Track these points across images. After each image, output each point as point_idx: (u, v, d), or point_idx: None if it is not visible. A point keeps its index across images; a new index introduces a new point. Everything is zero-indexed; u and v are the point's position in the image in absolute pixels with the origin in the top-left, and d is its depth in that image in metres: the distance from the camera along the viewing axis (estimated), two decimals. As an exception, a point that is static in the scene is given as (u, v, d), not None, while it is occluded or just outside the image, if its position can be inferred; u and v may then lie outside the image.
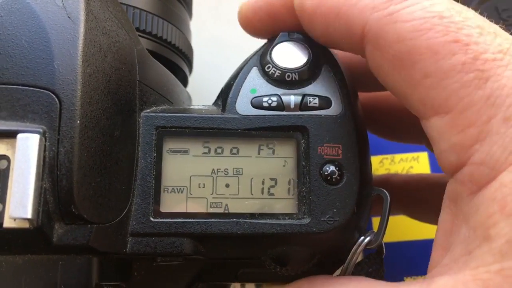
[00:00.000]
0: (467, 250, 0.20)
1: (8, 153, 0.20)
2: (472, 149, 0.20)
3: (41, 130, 0.20)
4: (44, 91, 0.21)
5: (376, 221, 0.39)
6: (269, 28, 0.26)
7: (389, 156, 0.43)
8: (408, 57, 0.21)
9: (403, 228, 0.39)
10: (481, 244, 0.19)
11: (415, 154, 0.43)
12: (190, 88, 0.35)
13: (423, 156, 0.43)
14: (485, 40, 0.20)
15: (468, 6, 0.22)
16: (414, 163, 0.43)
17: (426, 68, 0.20)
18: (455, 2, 0.22)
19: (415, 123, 0.32)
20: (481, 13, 0.22)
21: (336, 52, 0.27)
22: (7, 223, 0.19)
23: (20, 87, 0.21)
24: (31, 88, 0.21)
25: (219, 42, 0.46)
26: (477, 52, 0.20)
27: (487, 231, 0.19)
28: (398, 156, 0.43)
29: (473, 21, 0.21)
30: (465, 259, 0.19)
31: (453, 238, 0.21)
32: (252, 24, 0.27)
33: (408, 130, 0.33)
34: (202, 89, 0.37)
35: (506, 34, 0.21)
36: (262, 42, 0.27)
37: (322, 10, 0.23)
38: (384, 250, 0.26)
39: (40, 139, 0.20)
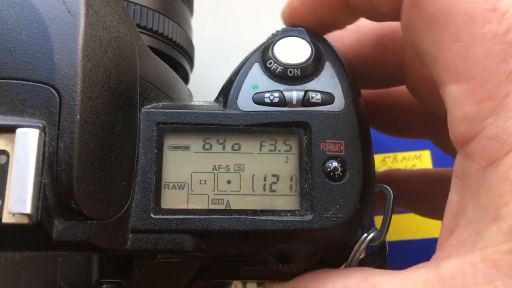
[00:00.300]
0: (476, 230, 0.19)
1: (7, 148, 0.20)
2: (486, 122, 0.19)
3: (40, 125, 0.20)
4: (44, 85, 0.21)
5: (378, 220, 0.39)
6: (316, 10, 0.26)
7: (391, 154, 0.43)
8: (443, 18, 0.20)
9: (406, 227, 0.39)
10: (490, 224, 0.18)
11: (417, 153, 0.43)
12: (191, 86, 0.35)
13: (426, 155, 0.43)
14: None
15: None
16: (417, 162, 0.42)
17: (458, 32, 0.20)
18: None
19: (419, 118, 0.32)
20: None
21: (338, 48, 0.27)
22: (6, 219, 0.19)
23: (19, 81, 0.21)
24: (31, 83, 0.21)
25: (220, 40, 0.46)
26: (510, 24, 0.19)
27: (497, 211, 0.18)
28: (400, 155, 0.43)
29: None
30: (473, 239, 0.19)
31: (460, 218, 0.20)
32: (298, 13, 0.26)
33: (412, 126, 0.33)
34: (203, 87, 0.37)
35: None
36: (262, 39, 0.27)
37: None
38: (387, 247, 0.26)
39: (40, 134, 0.20)
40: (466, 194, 0.20)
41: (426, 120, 0.31)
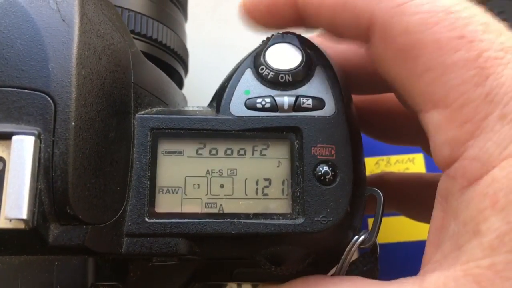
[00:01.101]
0: (457, 245, 0.20)
1: (3, 154, 0.20)
2: (467, 144, 0.20)
3: (36, 132, 0.20)
4: (39, 93, 0.21)
5: (371, 222, 0.39)
6: (270, 21, 0.26)
7: (384, 157, 0.43)
8: (413, 50, 0.21)
9: (398, 229, 0.39)
10: (470, 239, 0.19)
11: (410, 156, 0.43)
12: (186, 90, 0.35)
13: (419, 158, 0.43)
14: (489, 37, 0.20)
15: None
16: (410, 165, 0.43)
17: (429, 62, 0.21)
18: None
19: (410, 125, 0.32)
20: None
21: (330, 54, 0.27)
22: (3, 224, 0.20)
23: (15, 89, 0.21)
24: (26, 91, 0.21)
25: (216, 43, 0.46)
26: (480, 49, 0.20)
27: (477, 226, 0.19)
28: (394, 158, 0.43)
29: (479, 17, 0.21)
30: (455, 254, 0.20)
31: (443, 234, 0.21)
32: (253, 17, 0.27)
33: (403, 132, 0.34)
34: (198, 91, 0.37)
35: (510, 33, 0.22)
36: (257, 44, 0.27)
37: (329, 0, 0.23)
38: (378, 249, 0.26)
39: (35, 141, 0.20)
40: (448, 211, 0.21)
41: (416, 128, 0.32)
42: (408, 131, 0.33)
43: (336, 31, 0.25)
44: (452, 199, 0.21)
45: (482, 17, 0.21)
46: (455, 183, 0.20)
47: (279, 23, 0.26)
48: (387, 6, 0.22)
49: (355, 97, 0.28)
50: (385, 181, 0.35)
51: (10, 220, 0.20)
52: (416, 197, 0.34)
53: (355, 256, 0.26)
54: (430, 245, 0.22)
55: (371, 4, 0.22)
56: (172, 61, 0.32)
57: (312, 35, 0.28)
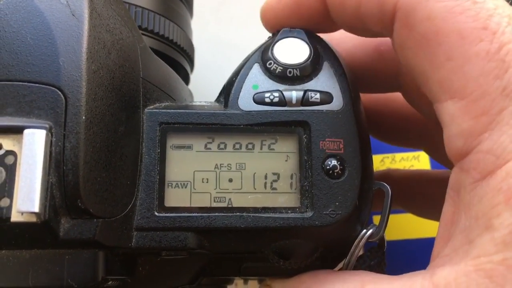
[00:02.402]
0: (468, 239, 0.20)
1: (15, 148, 0.20)
2: (481, 137, 0.20)
3: (47, 126, 0.20)
4: (50, 87, 0.21)
5: (377, 219, 0.39)
6: (295, 17, 0.26)
7: (390, 155, 0.43)
8: (435, 37, 0.21)
9: (404, 226, 0.39)
10: (482, 233, 0.19)
11: (416, 153, 0.43)
12: (191, 86, 0.35)
13: (424, 155, 0.43)
14: None
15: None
16: (415, 162, 0.43)
17: (451, 51, 0.21)
18: None
19: (414, 127, 0.32)
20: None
21: (337, 49, 0.27)
22: (15, 217, 0.20)
23: (26, 83, 0.21)
24: (37, 85, 0.21)
25: (220, 41, 0.46)
26: (502, 42, 0.20)
27: (490, 221, 0.19)
28: (399, 155, 0.43)
29: (504, 9, 0.21)
30: (466, 248, 0.20)
31: (453, 228, 0.21)
32: (276, 16, 0.27)
33: (407, 134, 0.34)
34: (203, 87, 0.38)
35: None
36: (262, 41, 0.28)
37: None
38: (385, 243, 0.26)
39: (47, 135, 0.20)
40: (459, 205, 0.21)
41: (421, 131, 0.32)
42: (412, 133, 0.33)
43: (360, 23, 0.24)
44: (464, 193, 0.21)
45: (507, 10, 0.21)
46: (468, 176, 0.20)
47: (306, 20, 0.26)
48: None
49: (362, 97, 0.28)
50: (390, 178, 0.35)
51: (22, 213, 0.20)
52: (421, 194, 0.34)
53: (361, 250, 0.26)
54: (440, 239, 0.22)
55: None
56: (179, 57, 0.32)
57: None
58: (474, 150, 0.20)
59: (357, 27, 0.25)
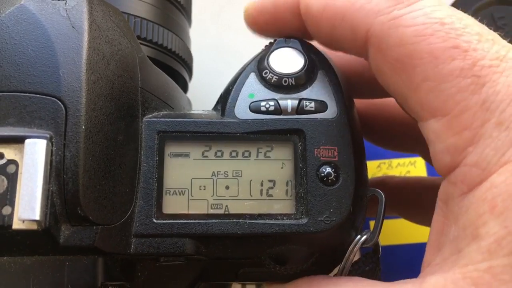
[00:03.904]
0: (457, 249, 0.20)
1: (16, 157, 0.21)
2: (466, 151, 0.21)
3: (48, 136, 0.21)
4: (50, 98, 0.22)
5: (373, 223, 0.40)
6: (274, 29, 0.27)
7: (386, 161, 0.44)
8: (409, 61, 0.22)
9: (399, 231, 0.40)
10: (470, 243, 0.20)
11: (412, 159, 0.44)
12: (191, 94, 0.36)
13: (420, 161, 0.43)
14: (483, 47, 0.21)
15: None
16: (411, 168, 0.43)
17: (425, 72, 0.21)
18: (456, 9, 0.22)
19: (409, 132, 0.33)
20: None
21: (332, 58, 0.28)
22: (16, 225, 0.20)
23: (27, 94, 0.22)
24: (38, 95, 0.22)
25: (219, 48, 0.47)
26: (475, 58, 0.21)
27: (476, 230, 0.19)
28: (395, 161, 0.44)
29: (473, 28, 0.22)
30: (455, 257, 0.20)
31: (443, 238, 0.22)
32: (257, 24, 0.27)
33: (402, 139, 0.34)
34: (202, 95, 0.38)
35: (504, 42, 0.22)
36: (259, 49, 0.28)
37: (328, 14, 0.24)
38: (380, 249, 0.27)
39: (47, 144, 0.21)
40: (449, 216, 0.22)
41: (417, 135, 0.32)
42: (407, 138, 0.34)
43: (334, 43, 0.25)
44: (452, 204, 0.21)
45: (476, 27, 0.22)
46: (456, 188, 0.21)
47: (282, 31, 0.27)
48: (383, 19, 0.22)
49: (357, 103, 0.29)
50: (386, 185, 0.36)
51: (23, 221, 0.20)
52: (417, 201, 0.35)
53: (356, 256, 0.26)
54: (430, 248, 0.22)
55: (368, 17, 0.23)
56: (177, 65, 0.33)
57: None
58: (460, 164, 0.21)
59: (333, 47, 0.26)
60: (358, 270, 0.27)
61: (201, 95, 0.39)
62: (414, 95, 0.22)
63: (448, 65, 0.21)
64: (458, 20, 0.22)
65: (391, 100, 0.32)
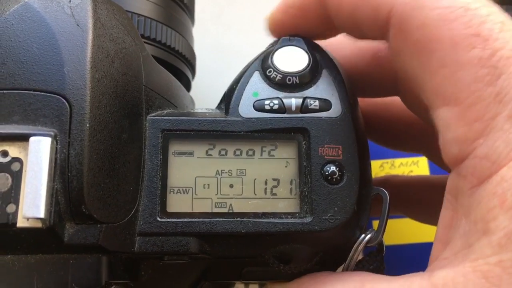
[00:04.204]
0: (467, 243, 0.20)
1: (21, 155, 0.21)
2: (476, 142, 0.20)
3: (52, 133, 0.21)
4: (55, 95, 0.22)
5: (377, 224, 0.40)
6: (301, 22, 0.27)
7: (389, 160, 0.44)
8: (429, 45, 0.21)
9: (403, 231, 0.40)
10: (480, 238, 0.19)
11: (415, 159, 0.44)
12: (193, 93, 0.36)
13: (423, 161, 0.43)
14: (505, 36, 0.21)
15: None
16: (414, 167, 0.43)
17: (444, 58, 0.21)
18: None
19: (413, 132, 0.33)
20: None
21: (336, 57, 0.28)
22: (21, 223, 0.20)
23: (31, 92, 0.22)
24: (42, 93, 0.22)
25: (221, 47, 0.47)
26: (494, 48, 0.20)
27: (487, 225, 0.19)
28: (398, 161, 0.43)
29: (497, 16, 0.21)
30: (465, 252, 0.20)
31: (452, 232, 0.21)
32: (284, 25, 0.27)
33: (406, 139, 0.34)
34: (205, 94, 0.38)
35: None
36: (262, 47, 0.28)
37: None
38: (384, 248, 0.27)
39: (52, 142, 0.21)
40: (458, 209, 0.21)
41: (420, 135, 0.32)
42: (411, 138, 0.34)
43: (356, 27, 0.25)
44: (462, 198, 0.21)
45: (499, 16, 0.21)
46: (465, 181, 0.21)
47: (310, 26, 0.27)
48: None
49: (360, 102, 0.29)
50: (390, 184, 0.36)
51: (28, 219, 0.20)
52: (421, 200, 0.35)
53: (360, 255, 0.26)
54: (438, 242, 0.22)
55: None
56: (180, 64, 0.33)
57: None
58: (470, 156, 0.21)
59: (354, 31, 0.26)
60: (362, 269, 0.27)
61: (203, 93, 0.38)
62: (429, 80, 0.22)
63: (467, 53, 0.20)
64: (483, 6, 0.21)
65: (394, 100, 0.32)
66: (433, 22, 0.21)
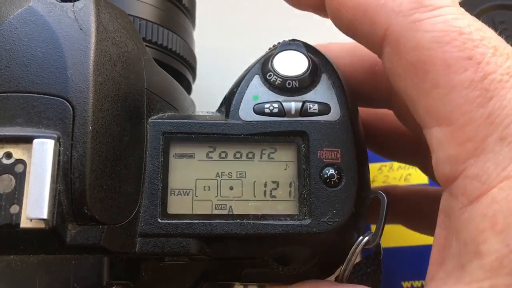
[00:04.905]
0: (460, 264, 0.20)
1: (24, 157, 0.21)
2: (467, 163, 0.21)
3: (55, 136, 0.21)
4: (58, 98, 0.22)
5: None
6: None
7: (387, 163, 0.44)
8: (423, 66, 0.22)
9: (401, 233, 0.40)
10: (472, 259, 0.20)
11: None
12: (194, 96, 0.36)
13: (421, 164, 0.44)
14: (497, 60, 0.21)
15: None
16: (412, 171, 0.43)
17: (437, 79, 0.21)
18: (476, 19, 0.23)
19: (406, 144, 0.33)
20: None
21: (335, 62, 0.28)
22: (24, 224, 0.20)
23: (35, 95, 0.22)
24: (46, 96, 0.22)
25: (222, 51, 0.47)
26: (486, 71, 0.21)
27: (478, 247, 0.19)
28: (396, 164, 0.44)
29: (490, 40, 0.22)
30: (458, 273, 0.20)
31: (446, 252, 0.22)
32: None
33: (399, 150, 0.34)
34: (206, 97, 0.38)
35: None
36: (263, 51, 0.28)
37: (352, 3, 0.24)
38: (381, 251, 0.27)
39: (55, 144, 0.21)
40: (451, 229, 0.22)
41: (414, 149, 0.33)
42: (404, 150, 0.34)
43: (353, 33, 0.25)
44: (454, 218, 0.21)
45: (493, 40, 0.22)
46: (457, 201, 0.21)
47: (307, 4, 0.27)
48: (404, 21, 0.22)
49: (361, 110, 0.29)
50: (390, 194, 0.36)
51: (31, 219, 0.20)
52: (420, 211, 0.35)
53: (358, 257, 0.26)
54: (434, 262, 0.22)
55: (389, 16, 0.23)
56: (181, 67, 0.33)
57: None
58: (461, 175, 0.21)
59: (352, 37, 0.26)
60: (359, 272, 0.27)
61: (204, 96, 0.39)
62: (422, 100, 0.22)
63: (459, 75, 0.21)
64: (476, 31, 0.22)
65: (388, 114, 0.32)
66: (427, 44, 0.22)
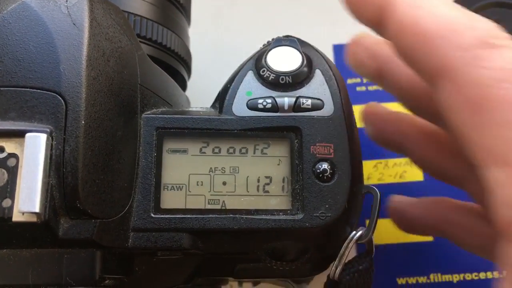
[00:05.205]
0: None
1: (16, 151, 0.21)
2: None
3: (48, 130, 0.21)
4: (51, 93, 0.22)
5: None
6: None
7: (383, 160, 0.44)
8: (481, 102, 0.21)
9: (396, 230, 0.40)
10: None
11: (408, 159, 0.44)
12: (189, 93, 0.36)
13: (416, 161, 0.44)
14: None
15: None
16: (407, 168, 0.43)
17: (496, 117, 0.21)
18: None
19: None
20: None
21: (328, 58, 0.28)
22: (16, 217, 0.20)
23: (28, 89, 0.22)
24: (39, 91, 0.22)
25: (218, 48, 0.47)
26: None
27: None
28: (391, 161, 0.44)
29: None
30: None
31: None
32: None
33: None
34: (201, 94, 0.38)
35: None
36: (258, 48, 0.29)
37: (415, 30, 0.23)
38: (373, 248, 0.27)
39: (47, 138, 0.21)
40: None
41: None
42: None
43: (409, 60, 0.25)
44: None
45: None
46: None
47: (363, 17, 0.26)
48: (464, 55, 0.22)
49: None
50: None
51: (23, 213, 0.20)
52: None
53: (353, 253, 0.27)
54: None
55: (450, 49, 0.22)
56: (176, 64, 0.33)
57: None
58: None
59: (406, 61, 0.25)
60: (351, 269, 0.27)
61: (200, 93, 0.39)
62: (480, 138, 0.21)
63: None
64: None
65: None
66: (487, 81, 0.21)
